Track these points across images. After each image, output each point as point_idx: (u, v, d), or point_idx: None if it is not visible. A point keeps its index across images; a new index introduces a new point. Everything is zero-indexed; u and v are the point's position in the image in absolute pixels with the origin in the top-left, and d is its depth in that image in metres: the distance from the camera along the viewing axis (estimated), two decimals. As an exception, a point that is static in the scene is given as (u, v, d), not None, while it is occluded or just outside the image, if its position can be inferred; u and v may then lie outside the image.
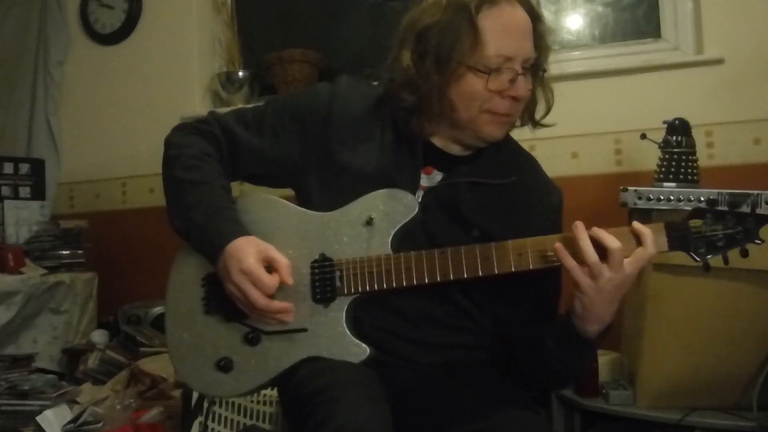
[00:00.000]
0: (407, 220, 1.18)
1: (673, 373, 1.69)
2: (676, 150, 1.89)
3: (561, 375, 1.19)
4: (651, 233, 1.06)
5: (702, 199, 1.73)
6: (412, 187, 1.21)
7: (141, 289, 2.70)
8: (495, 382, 1.21)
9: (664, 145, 1.92)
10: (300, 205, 1.27)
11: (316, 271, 1.19)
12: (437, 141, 1.26)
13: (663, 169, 1.90)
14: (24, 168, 2.82)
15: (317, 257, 1.20)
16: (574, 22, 2.57)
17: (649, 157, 2.03)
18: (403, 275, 1.15)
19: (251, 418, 1.80)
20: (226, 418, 1.81)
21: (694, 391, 1.68)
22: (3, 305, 2.40)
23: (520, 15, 1.17)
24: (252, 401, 1.79)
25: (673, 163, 1.89)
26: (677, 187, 1.84)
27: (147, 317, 2.57)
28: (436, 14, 1.17)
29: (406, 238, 1.19)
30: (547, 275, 1.17)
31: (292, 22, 2.94)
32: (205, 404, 1.77)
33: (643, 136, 1.90)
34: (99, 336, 2.62)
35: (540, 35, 1.20)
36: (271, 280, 1.14)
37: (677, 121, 1.91)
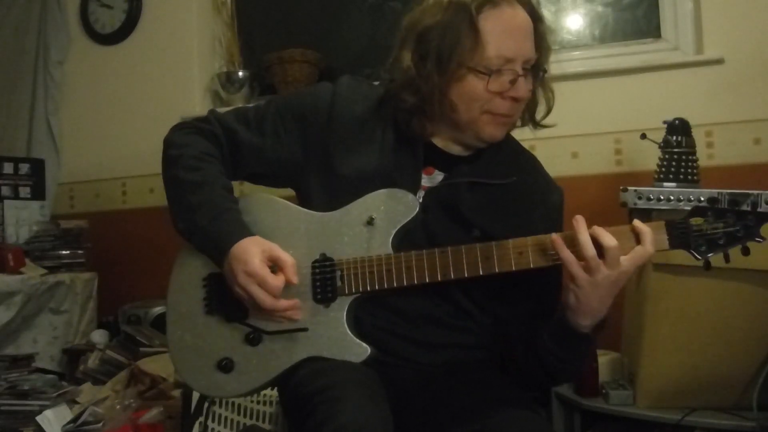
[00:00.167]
0: (408, 219, 1.18)
1: (673, 373, 1.69)
2: (676, 150, 1.90)
3: (558, 370, 1.19)
4: (651, 232, 1.06)
5: (702, 199, 1.73)
6: (413, 187, 1.21)
7: (141, 289, 2.70)
8: (495, 382, 1.21)
9: (664, 145, 1.92)
10: (300, 205, 1.27)
11: (317, 270, 1.19)
12: (438, 141, 1.26)
13: (663, 169, 1.90)
14: (24, 168, 2.82)
15: (318, 257, 1.20)
16: (574, 22, 2.57)
17: (649, 157, 2.03)
18: (404, 275, 1.15)
19: (251, 418, 1.80)
20: (226, 418, 1.81)
21: (694, 391, 1.68)
22: (3, 305, 2.40)
23: (521, 16, 1.16)
24: (252, 401, 1.79)
25: (673, 163, 1.89)
26: (677, 187, 1.85)
27: (147, 317, 2.57)
28: (437, 15, 1.16)
29: (406, 238, 1.19)
30: (547, 274, 1.17)
31: (292, 22, 2.94)
32: (205, 404, 1.77)
33: (643, 136, 1.90)
34: (99, 336, 2.62)
35: (541, 36, 1.20)
36: (276, 281, 1.15)
37: (677, 121, 1.91)
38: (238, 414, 1.81)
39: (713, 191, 1.71)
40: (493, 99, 1.17)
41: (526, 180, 1.27)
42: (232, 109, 1.35)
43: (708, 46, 2.27)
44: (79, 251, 2.75)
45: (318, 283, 1.19)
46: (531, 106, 1.26)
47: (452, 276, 1.13)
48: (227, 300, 1.21)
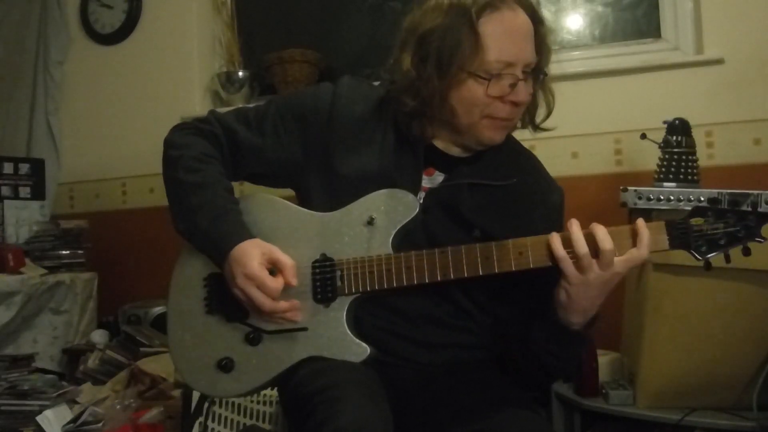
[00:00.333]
0: (408, 219, 1.18)
1: (673, 373, 1.69)
2: (676, 150, 1.90)
3: (554, 368, 1.19)
4: (648, 235, 1.06)
5: (702, 199, 1.73)
6: (414, 188, 1.21)
7: (141, 289, 2.70)
8: (495, 382, 1.21)
9: (664, 145, 1.92)
10: (300, 205, 1.27)
11: (317, 271, 1.19)
12: (439, 143, 1.26)
13: (663, 169, 1.90)
14: (24, 168, 2.82)
15: (318, 257, 1.20)
16: (574, 22, 2.57)
17: (649, 157, 2.03)
18: (404, 275, 1.15)
19: (251, 418, 1.80)
20: (226, 418, 1.81)
21: (694, 391, 1.68)
22: (3, 305, 2.40)
23: (521, 19, 1.16)
24: (252, 401, 1.79)
25: (673, 163, 1.89)
26: (677, 187, 1.85)
27: (147, 317, 2.57)
28: (437, 18, 1.16)
29: (406, 239, 1.19)
30: (547, 274, 1.16)
31: (292, 22, 2.94)
32: (205, 404, 1.77)
33: (643, 136, 1.90)
34: (99, 336, 2.62)
35: (541, 39, 1.20)
36: (275, 284, 1.15)
37: (677, 121, 1.91)
38: (238, 414, 1.81)
39: (713, 191, 1.71)
40: (492, 103, 1.16)
41: (527, 180, 1.27)
42: (233, 110, 1.35)
43: (708, 46, 2.27)
44: (79, 251, 2.75)
45: (318, 283, 1.19)
46: (531, 108, 1.25)
47: (452, 276, 1.13)
48: (228, 300, 1.21)
